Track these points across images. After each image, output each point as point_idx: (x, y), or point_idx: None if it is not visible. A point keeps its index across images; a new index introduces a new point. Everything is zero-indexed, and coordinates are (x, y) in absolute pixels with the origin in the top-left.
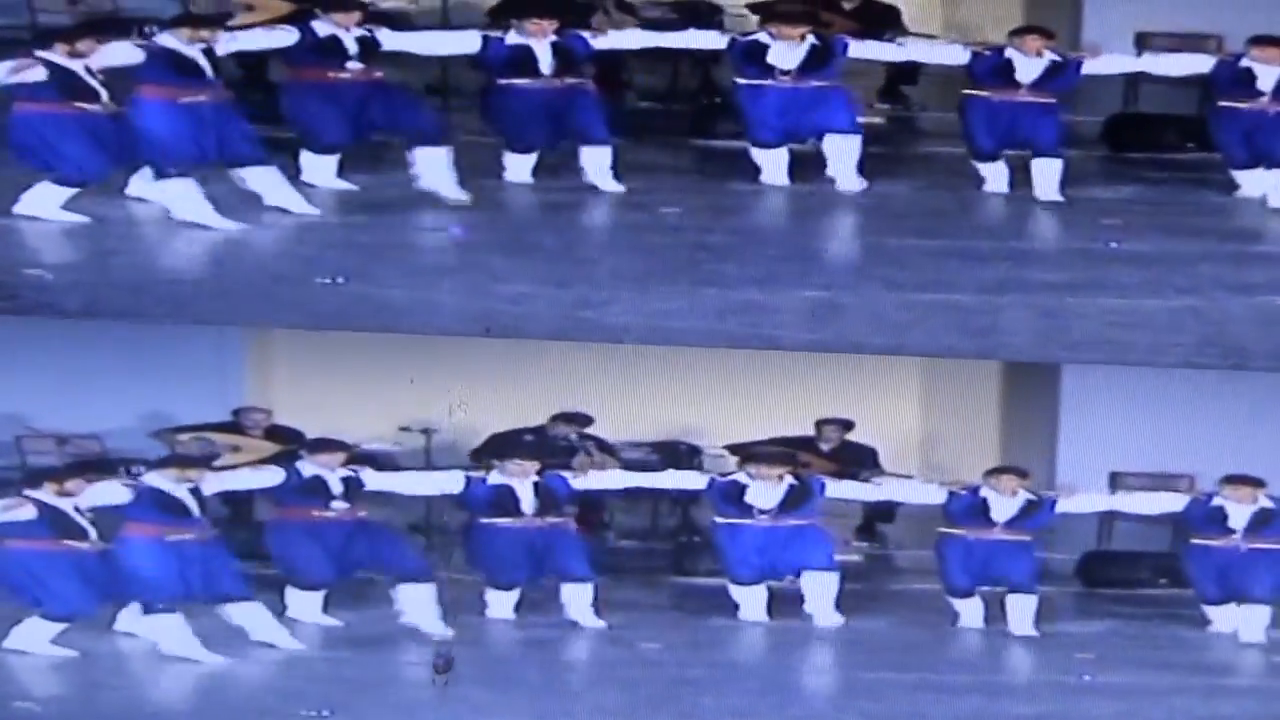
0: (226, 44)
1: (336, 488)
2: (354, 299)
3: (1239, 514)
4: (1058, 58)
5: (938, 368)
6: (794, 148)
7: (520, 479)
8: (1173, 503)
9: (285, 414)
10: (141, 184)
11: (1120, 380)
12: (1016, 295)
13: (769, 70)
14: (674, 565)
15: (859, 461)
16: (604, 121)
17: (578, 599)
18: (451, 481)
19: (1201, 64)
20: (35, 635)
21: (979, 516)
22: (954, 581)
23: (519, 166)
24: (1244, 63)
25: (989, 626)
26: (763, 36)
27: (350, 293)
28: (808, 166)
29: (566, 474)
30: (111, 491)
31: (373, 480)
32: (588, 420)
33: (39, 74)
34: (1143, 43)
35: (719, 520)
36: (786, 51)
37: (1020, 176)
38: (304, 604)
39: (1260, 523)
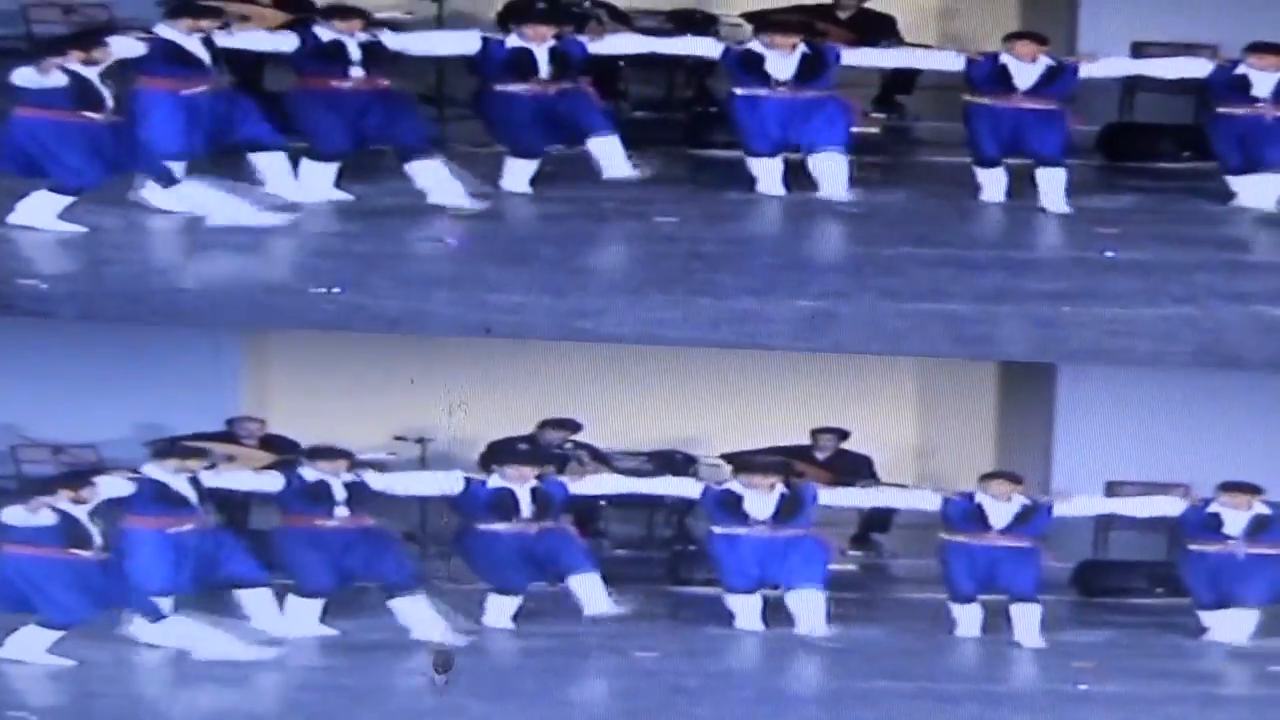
0: (226, 39)
1: (340, 494)
2: (350, 309)
3: (1235, 520)
4: (1052, 62)
5: (933, 377)
6: (789, 157)
7: (519, 483)
8: (1169, 506)
9: (280, 424)
10: (161, 195)
11: (1115, 390)
12: (1013, 305)
13: (765, 80)
14: (670, 574)
15: (854, 470)
16: (603, 114)
17: (587, 587)
18: (452, 482)
19: (1197, 67)
20: (32, 644)
21: (976, 522)
22: (957, 587)
23: (518, 174)
24: (1240, 69)
25: (986, 635)
26: (756, 45)
27: (346, 302)
28: (803, 176)
29: (564, 478)
30: (116, 485)
31: (375, 481)
32: (576, 426)
33: (58, 80)
34: (1138, 52)
35: (715, 530)
36: (780, 61)
37: (1018, 185)
38: (303, 613)
39: (1257, 529)
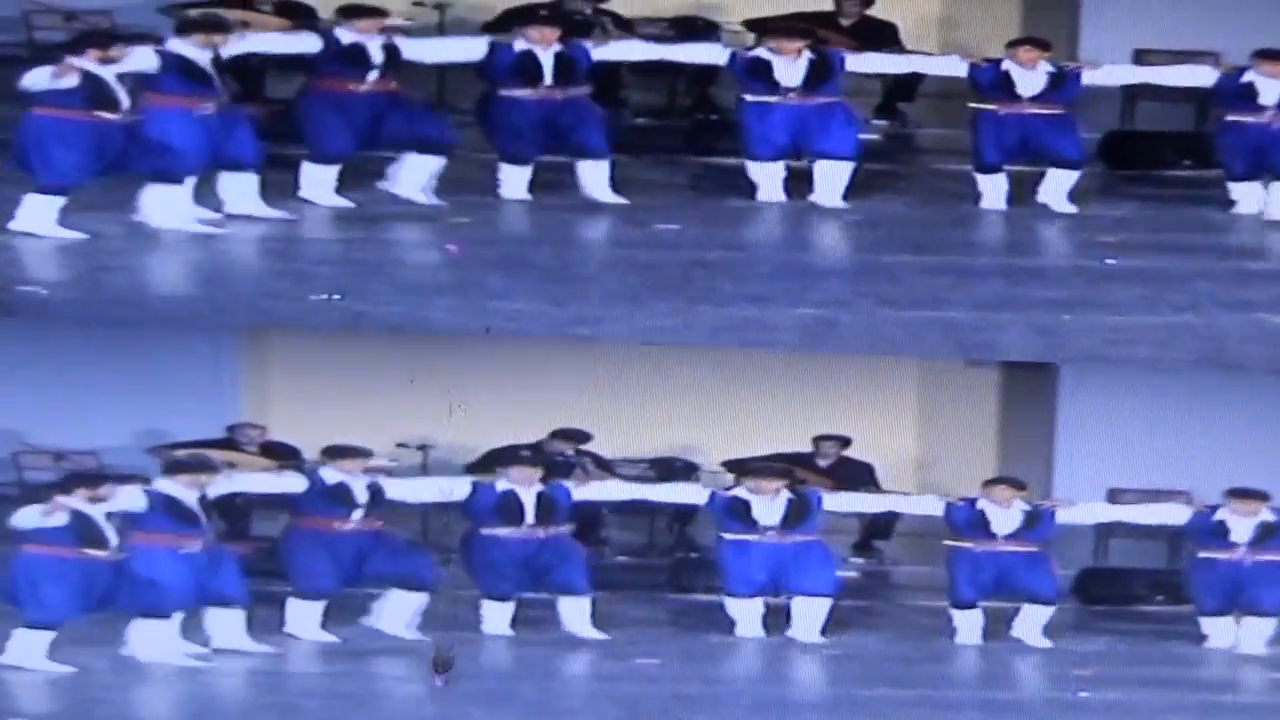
0: (238, 44)
1: (362, 495)
2: (350, 315)
3: (1242, 527)
4: (1054, 69)
5: (935, 386)
6: (790, 164)
7: (524, 486)
8: (1174, 514)
9: (280, 430)
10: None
11: (1116, 399)
12: (1013, 312)
13: (774, 87)
14: (671, 581)
15: (856, 478)
16: (603, 134)
17: (575, 613)
18: (459, 486)
19: (1202, 76)
20: (30, 650)
21: (979, 528)
22: (960, 594)
23: (514, 181)
24: (1247, 77)
25: (986, 643)
26: (763, 52)
27: (346, 309)
28: (803, 183)
29: (569, 483)
30: (133, 498)
31: (390, 488)
32: (586, 437)
33: (74, 80)
34: (1141, 60)
35: (725, 536)
36: (788, 67)
37: (1019, 191)
38: (304, 616)
39: (1264, 536)
